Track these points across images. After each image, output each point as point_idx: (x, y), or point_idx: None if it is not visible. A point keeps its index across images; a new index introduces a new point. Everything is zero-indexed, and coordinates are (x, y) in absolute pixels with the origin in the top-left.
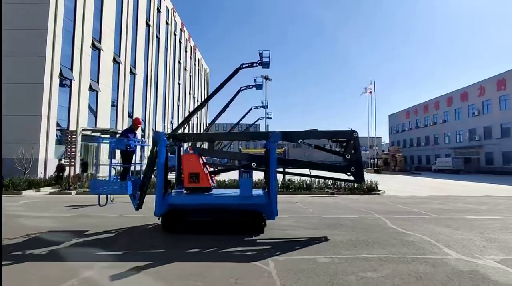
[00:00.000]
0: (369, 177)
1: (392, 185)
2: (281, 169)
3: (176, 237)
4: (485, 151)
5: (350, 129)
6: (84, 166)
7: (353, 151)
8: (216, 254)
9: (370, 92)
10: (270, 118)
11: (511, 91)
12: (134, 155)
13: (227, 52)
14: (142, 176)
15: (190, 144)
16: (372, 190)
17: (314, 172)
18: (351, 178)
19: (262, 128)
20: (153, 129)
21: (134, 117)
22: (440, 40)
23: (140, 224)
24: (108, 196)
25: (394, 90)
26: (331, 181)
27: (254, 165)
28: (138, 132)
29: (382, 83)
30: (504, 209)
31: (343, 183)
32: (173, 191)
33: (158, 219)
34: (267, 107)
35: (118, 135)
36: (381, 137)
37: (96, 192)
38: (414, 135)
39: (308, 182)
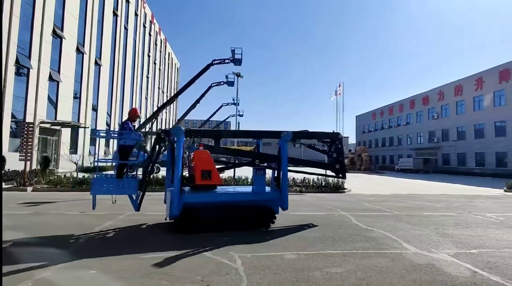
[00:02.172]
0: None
1: (357, 183)
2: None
3: (137, 235)
4: (442, 152)
5: (334, 132)
6: (46, 161)
7: (337, 151)
8: (185, 250)
9: (340, 93)
10: (242, 115)
11: (467, 97)
12: (131, 150)
13: (198, 47)
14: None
15: (200, 140)
16: (338, 188)
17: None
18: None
19: (233, 126)
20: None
21: (132, 107)
22: (405, 46)
23: (100, 222)
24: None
25: (363, 92)
26: (299, 178)
27: (257, 162)
28: (103, 125)
29: (351, 84)
30: (457, 207)
31: (311, 180)
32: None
33: (166, 219)
34: (238, 105)
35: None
36: (348, 137)
37: (99, 192)
38: (380, 136)
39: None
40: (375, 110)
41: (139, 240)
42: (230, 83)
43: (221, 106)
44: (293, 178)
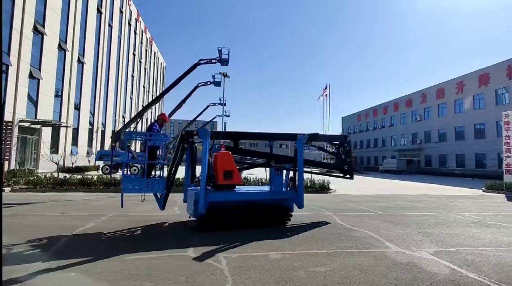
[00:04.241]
0: (321, 176)
1: (342, 184)
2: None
3: (121, 236)
4: (424, 154)
5: (344, 135)
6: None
7: (346, 152)
8: (168, 250)
9: (326, 95)
10: (228, 116)
11: (448, 100)
12: (158, 151)
13: (185, 47)
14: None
15: (222, 142)
16: (324, 188)
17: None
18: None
19: (220, 126)
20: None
21: (160, 113)
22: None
23: (82, 223)
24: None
25: (349, 93)
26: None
27: (273, 163)
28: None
29: (338, 86)
30: (438, 206)
31: None
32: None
33: (189, 217)
34: (225, 105)
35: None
36: None
37: (130, 191)
38: (365, 137)
39: (263, 180)
40: (360, 112)
41: (123, 241)
42: (217, 84)
43: (208, 106)
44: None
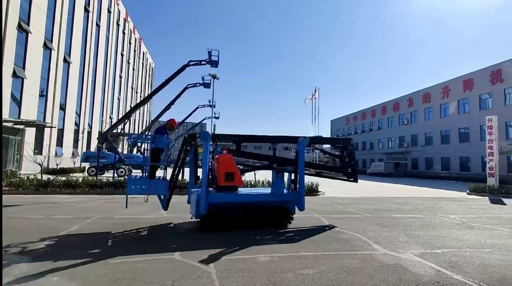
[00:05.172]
0: (310, 179)
1: (331, 186)
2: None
3: (105, 239)
4: (411, 157)
5: (346, 137)
6: None
7: (349, 155)
8: (155, 254)
9: (315, 97)
10: (217, 117)
11: (434, 104)
12: (162, 154)
13: (174, 48)
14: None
15: (223, 145)
16: (313, 191)
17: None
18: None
19: (208, 128)
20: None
21: (169, 118)
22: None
23: (66, 226)
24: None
25: (338, 96)
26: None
27: (275, 165)
28: (71, 124)
29: (327, 89)
30: (424, 209)
31: None
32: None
33: (191, 218)
34: (214, 107)
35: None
36: None
37: (134, 192)
38: (353, 140)
39: (252, 182)
40: (349, 115)
41: (108, 244)
42: (206, 85)
43: (197, 108)
44: (268, 181)
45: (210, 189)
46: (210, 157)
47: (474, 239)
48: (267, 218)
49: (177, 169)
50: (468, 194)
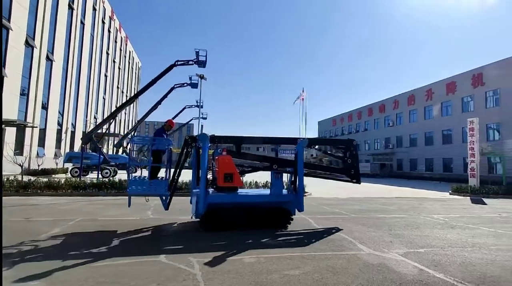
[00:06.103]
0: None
1: (318, 187)
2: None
3: (88, 241)
4: (397, 158)
5: (349, 139)
6: None
7: (352, 157)
8: (139, 256)
9: (303, 99)
10: (205, 118)
11: (419, 107)
12: (163, 155)
13: (162, 47)
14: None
15: (223, 146)
16: None
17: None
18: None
19: (195, 128)
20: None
21: (167, 120)
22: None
23: (47, 228)
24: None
25: (326, 98)
26: (262, 182)
27: (275, 166)
28: (54, 124)
29: (315, 91)
30: (408, 209)
31: None
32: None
33: (192, 218)
34: (202, 107)
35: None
36: None
37: (135, 191)
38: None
39: (258, 183)
40: (336, 117)
41: (90, 247)
42: (194, 85)
43: (184, 108)
44: (256, 182)
45: (211, 189)
46: (211, 158)
47: (456, 238)
48: (267, 219)
49: (178, 170)
50: (450, 194)
